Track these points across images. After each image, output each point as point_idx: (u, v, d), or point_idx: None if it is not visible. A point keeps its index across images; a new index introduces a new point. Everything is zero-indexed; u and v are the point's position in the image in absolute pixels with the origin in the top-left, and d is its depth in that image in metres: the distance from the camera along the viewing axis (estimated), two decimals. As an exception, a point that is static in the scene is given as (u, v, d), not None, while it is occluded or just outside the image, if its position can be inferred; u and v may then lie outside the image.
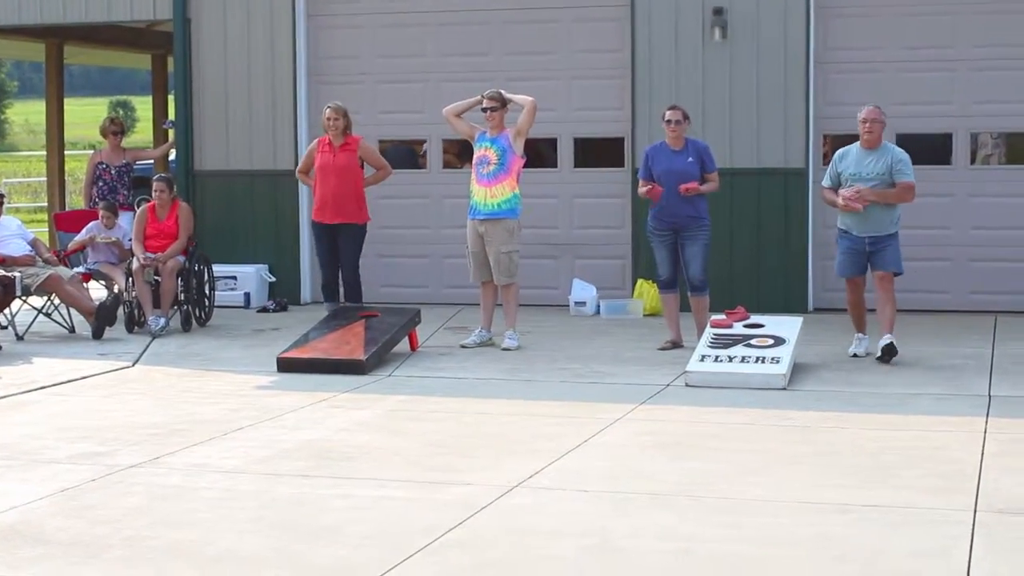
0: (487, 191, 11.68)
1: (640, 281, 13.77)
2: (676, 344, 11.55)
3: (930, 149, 13.88)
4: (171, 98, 16.88)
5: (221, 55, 14.96)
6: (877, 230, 10.95)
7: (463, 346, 11.81)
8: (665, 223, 11.54)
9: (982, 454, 7.76)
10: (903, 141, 13.17)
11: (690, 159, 11.50)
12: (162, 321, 12.63)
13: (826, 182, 11.25)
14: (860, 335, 11.24)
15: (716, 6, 13.55)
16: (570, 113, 14.38)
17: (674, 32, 13.75)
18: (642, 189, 11.60)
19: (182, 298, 12.99)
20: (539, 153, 14.02)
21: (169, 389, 10.32)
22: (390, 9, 14.81)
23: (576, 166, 14.51)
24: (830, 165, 11.29)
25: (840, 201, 10.90)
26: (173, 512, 6.73)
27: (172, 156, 15.74)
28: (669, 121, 11.56)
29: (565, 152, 14.49)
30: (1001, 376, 10.20)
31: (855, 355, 11.15)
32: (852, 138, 11.28)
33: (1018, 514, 6.50)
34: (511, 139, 11.69)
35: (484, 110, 11.77)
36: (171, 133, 15.59)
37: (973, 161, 13.76)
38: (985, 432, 8.35)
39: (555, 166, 14.43)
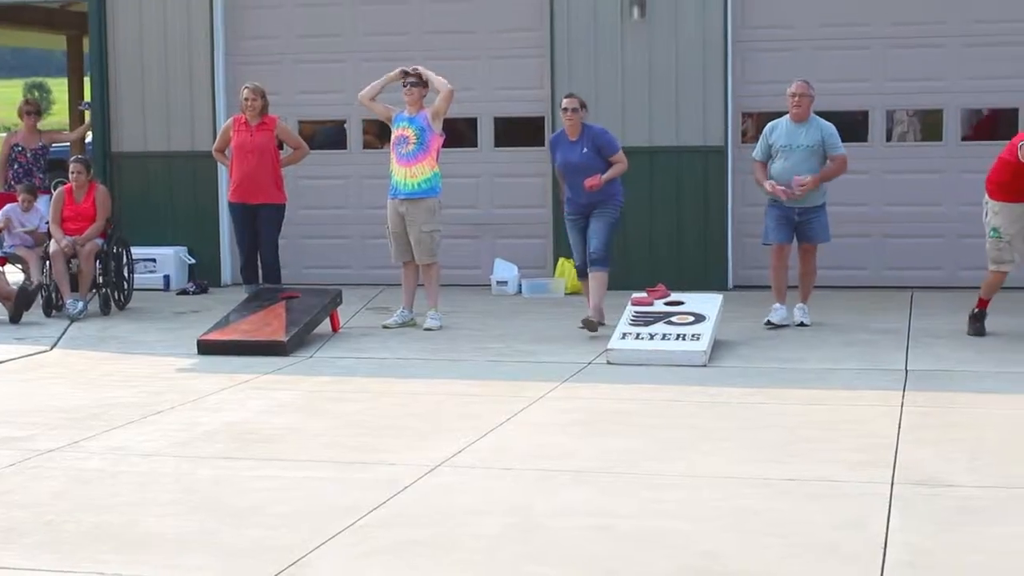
0: (407, 171, 11.64)
1: (561, 260, 13.80)
2: (602, 324, 11.40)
3: (847, 126, 14.01)
4: (87, 79, 16.68)
5: (137, 36, 14.81)
6: (806, 201, 11.32)
7: (385, 326, 11.79)
8: (577, 208, 11.49)
9: (899, 427, 7.86)
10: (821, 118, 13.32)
11: (585, 150, 11.30)
12: (80, 305, 12.50)
13: (757, 155, 11.61)
14: (778, 304, 11.53)
15: (635, -16, 13.58)
16: (490, 92, 14.36)
17: (593, 11, 13.78)
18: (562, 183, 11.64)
19: (100, 281, 12.86)
20: (459, 133, 14.01)
21: (88, 373, 10.22)
22: (308, -12, 14.72)
23: (496, 145, 14.51)
24: (760, 138, 11.64)
25: (783, 196, 11.21)
26: (94, 496, 6.67)
27: (89, 138, 15.57)
28: (565, 109, 11.41)
29: (485, 131, 14.48)
30: (917, 350, 10.33)
31: (769, 322, 11.41)
32: (771, 115, 11.61)
33: (933, 486, 6.59)
34: (429, 119, 11.65)
35: (405, 85, 11.70)
36: (87, 115, 15.41)
37: (889, 138, 13.90)
38: (902, 406, 8.47)
39: (475, 145, 14.43)
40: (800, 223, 11.37)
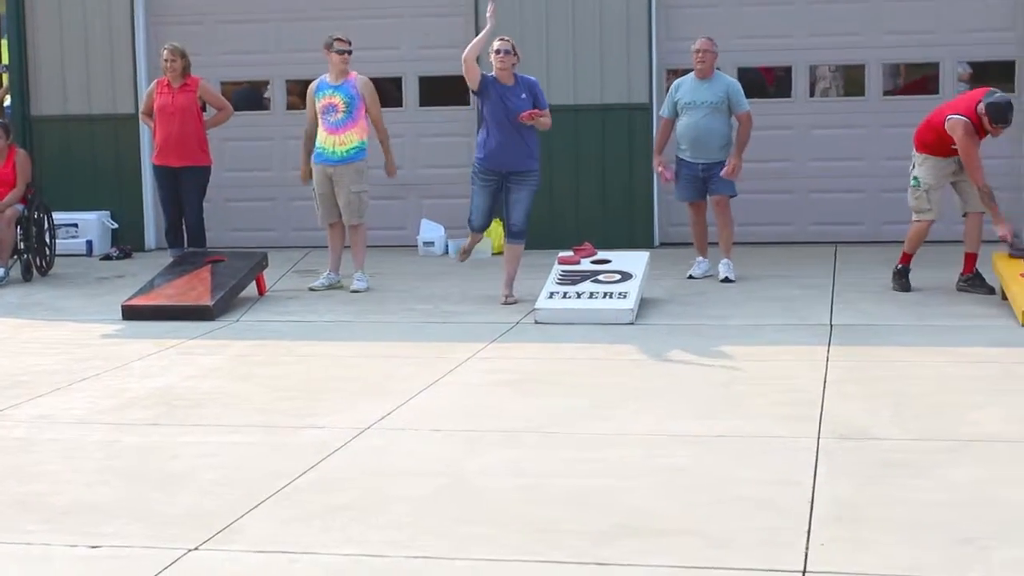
0: (335, 139, 11.56)
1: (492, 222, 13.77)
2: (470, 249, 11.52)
3: (773, 84, 14.12)
4: (3, 42, 16.44)
5: (55, -3, 14.59)
6: (709, 156, 11.54)
7: (311, 289, 11.74)
8: (496, 165, 10.78)
9: (824, 382, 7.94)
10: (744, 74, 13.41)
11: (523, 95, 10.77)
12: (1, 271, 12.34)
13: (664, 112, 11.87)
14: (700, 258, 11.83)
15: (558, -59, 13.55)
16: (414, 51, 14.30)
17: (516, -32, 13.73)
18: (473, 44, 10.83)
19: (22, 247, 12.70)
20: (384, 92, 13.89)
21: (10, 340, 10.10)
22: (229, -52, 14.56)
23: (421, 105, 14.45)
24: (667, 96, 11.88)
25: (663, 179, 11.90)
26: (19, 465, 6.60)
27: (7, 102, 15.35)
28: (498, 51, 10.68)
29: (410, 91, 14.43)
30: (841, 305, 10.43)
31: (691, 276, 11.65)
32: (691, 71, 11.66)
33: (858, 439, 6.66)
34: (358, 87, 11.54)
35: (341, 52, 11.53)
36: (5, 78, 15.18)
37: (812, 94, 13.98)
38: (827, 360, 8.54)
39: (400, 105, 14.35)
40: (706, 178, 11.56)
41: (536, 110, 10.71)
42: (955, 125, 10.42)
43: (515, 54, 10.86)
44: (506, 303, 10.85)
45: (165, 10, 14.68)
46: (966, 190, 10.77)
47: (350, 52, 11.57)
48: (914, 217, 10.90)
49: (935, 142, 10.67)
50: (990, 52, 13.54)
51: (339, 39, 11.58)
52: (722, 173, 11.41)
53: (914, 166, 10.87)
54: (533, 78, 11.17)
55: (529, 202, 10.91)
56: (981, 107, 10.38)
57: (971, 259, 10.82)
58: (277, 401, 7.86)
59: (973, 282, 10.77)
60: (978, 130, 10.48)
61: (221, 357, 9.23)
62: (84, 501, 5.99)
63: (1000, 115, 10.38)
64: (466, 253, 11.49)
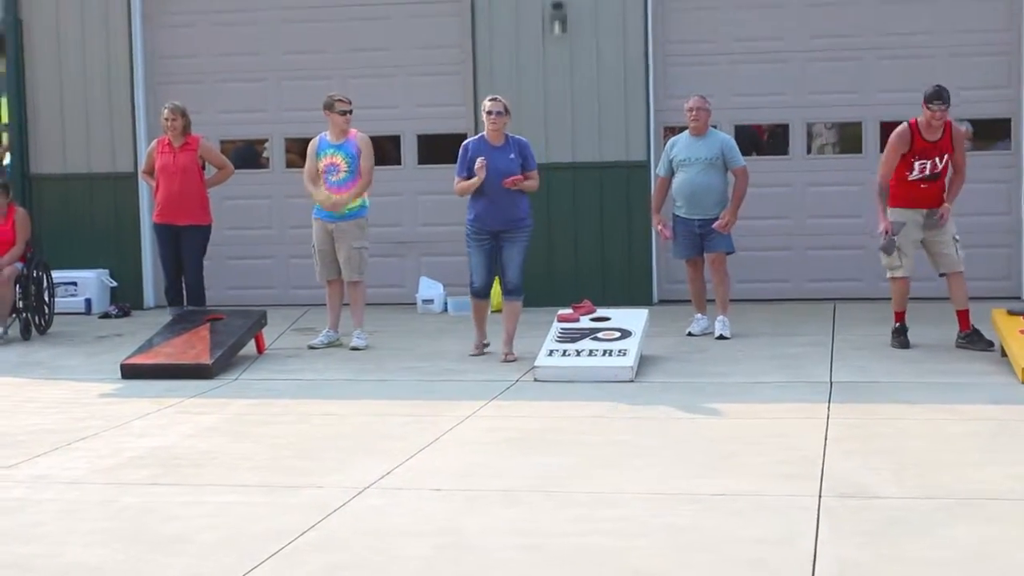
0: (337, 199, 11.62)
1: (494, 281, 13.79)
2: (484, 346, 11.28)
3: (768, 139, 14.18)
4: (3, 100, 16.50)
5: (55, 56, 14.66)
6: (705, 213, 11.60)
7: (311, 347, 11.74)
8: (488, 225, 10.88)
9: (825, 440, 7.92)
10: (740, 132, 13.48)
11: (512, 156, 10.86)
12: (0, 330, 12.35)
13: (660, 171, 11.97)
14: (699, 315, 11.86)
15: (555, 0, 13.63)
16: (412, 110, 14.35)
17: (514, 26, 13.81)
18: (465, 184, 10.92)
19: (20, 306, 12.70)
20: (383, 150, 13.97)
21: (9, 399, 10.07)
22: (228, 8, 14.64)
23: (420, 163, 14.49)
24: (663, 154, 11.96)
25: (662, 236, 11.94)
26: (17, 525, 6.58)
27: (7, 160, 15.40)
28: (490, 112, 10.81)
29: (408, 149, 14.47)
30: (840, 362, 10.42)
31: (690, 333, 11.70)
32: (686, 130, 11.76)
33: (861, 498, 6.65)
34: (359, 146, 11.59)
35: (342, 113, 11.59)
36: (4, 136, 15.23)
37: (809, 151, 14.04)
38: (827, 418, 8.53)
39: (399, 163, 14.39)
40: (702, 234, 11.60)
41: (518, 176, 10.79)
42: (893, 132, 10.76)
43: (507, 113, 10.94)
44: (506, 360, 10.84)
45: (164, 69, 14.75)
46: (937, 251, 10.86)
47: (351, 112, 11.62)
48: (888, 275, 10.99)
49: (896, 185, 10.78)
50: (987, 110, 13.60)
51: (340, 100, 11.63)
52: (715, 225, 11.46)
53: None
54: (524, 139, 11.24)
55: (523, 259, 10.97)
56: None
57: (963, 316, 10.86)
58: (276, 460, 7.84)
59: (971, 338, 10.78)
60: (915, 138, 10.69)
61: (220, 416, 9.22)
62: (82, 563, 5.96)
63: (930, 95, 10.60)
64: (479, 348, 11.31)
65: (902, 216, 10.79)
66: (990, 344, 10.63)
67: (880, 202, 10.83)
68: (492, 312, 13.16)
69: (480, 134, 11.06)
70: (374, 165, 11.83)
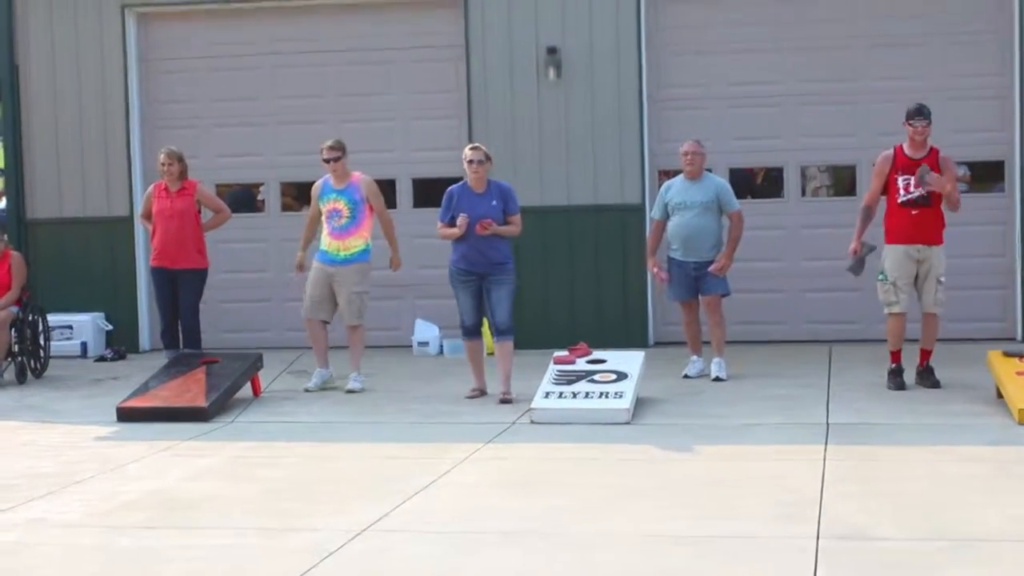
0: (340, 244, 11.67)
1: (484, 319, 13.79)
2: (482, 391, 11.28)
3: (762, 182, 14.23)
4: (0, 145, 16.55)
5: (51, 102, 14.69)
6: (700, 256, 11.64)
7: (307, 390, 11.74)
8: (471, 267, 11.02)
9: (822, 481, 7.91)
10: (735, 175, 13.53)
11: (494, 202, 11.00)
12: (-5, 373, 12.35)
13: (655, 214, 12.01)
14: (694, 357, 11.88)
15: (549, 45, 13.69)
16: (408, 154, 14.40)
17: (509, 72, 13.86)
18: (447, 231, 11.07)
19: (16, 350, 12.69)
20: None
21: (4, 442, 10.05)
22: (224, 53, 14.69)
23: (415, 206, 14.52)
24: (658, 197, 12.01)
25: (659, 281, 11.99)
26: (12, 570, 6.55)
27: (2, 204, 15.42)
28: (471, 161, 10.93)
29: (404, 192, 14.49)
30: (837, 404, 10.42)
31: (686, 376, 11.72)
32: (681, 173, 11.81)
33: (859, 539, 6.64)
34: (363, 192, 11.63)
35: (326, 161, 11.67)
36: (1, 181, 15.25)
37: (804, 194, 14.08)
38: (824, 459, 8.52)
39: (394, 207, 14.40)
40: (697, 277, 11.63)
41: (489, 220, 10.88)
42: None
43: (488, 161, 11.08)
44: (503, 401, 10.84)
45: (160, 114, 14.79)
46: (922, 288, 10.96)
47: (338, 159, 11.63)
48: (885, 311, 11.08)
49: (888, 218, 11.00)
50: (981, 153, 13.66)
51: (326, 148, 11.66)
52: (711, 268, 11.49)
53: (882, 259, 11.05)
54: (506, 184, 11.34)
55: (510, 301, 11.10)
56: None
57: (926, 354, 11.04)
58: (272, 503, 7.82)
59: (922, 375, 11.01)
60: (898, 156, 10.93)
61: (216, 459, 9.20)
62: (79, 606, 5.94)
63: (911, 111, 10.87)
64: (476, 392, 11.32)
65: (895, 252, 10.87)
66: (936, 383, 10.87)
67: (858, 223, 11.11)
68: (488, 355, 13.20)
69: (463, 181, 11.16)
70: (382, 203, 11.88)
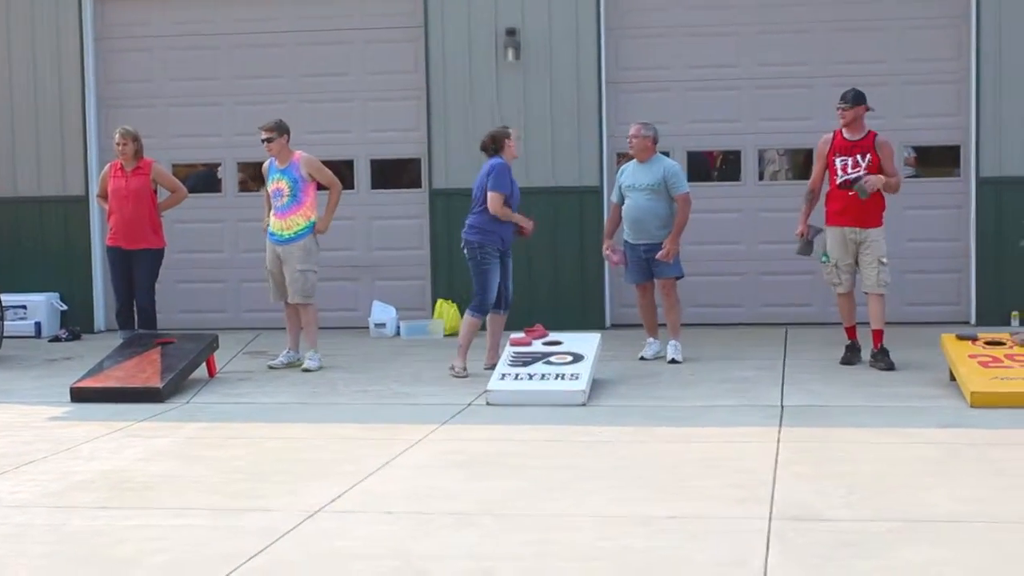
0: (283, 223, 11.66)
1: (440, 301, 13.82)
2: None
3: (720, 165, 14.26)
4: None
5: (6, 80, 14.59)
6: (649, 238, 11.65)
7: (271, 367, 11.77)
8: (504, 244, 11.40)
9: (776, 463, 7.95)
10: (693, 158, 13.56)
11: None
12: (-52, 353, 12.26)
13: (613, 197, 12.04)
14: (651, 339, 11.91)
15: (509, 27, 13.69)
16: (366, 135, 14.36)
17: (468, 53, 13.84)
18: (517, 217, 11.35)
19: (-31, 329, 12.61)
20: (336, 175, 13.92)
21: (-43, 423, 9.99)
22: (181, 32, 14.62)
23: (374, 187, 14.49)
24: (615, 181, 12.01)
25: (612, 263, 12.02)
26: (-37, 550, 6.51)
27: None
28: (519, 138, 11.62)
29: (362, 174, 14.46)
30: (792, 386, 10.47)
31: (643, 358, 11.74)
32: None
33: (811, 520, 6.67)
34: (302, 170, 11.61)
35: (262, 141, 11.66)
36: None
37: (761, 177, 14.12)
38: (778, 441, 8.56)
39: (352, 187, 14.38)
40: (649, 260, 11.64)
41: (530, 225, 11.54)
42: None
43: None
44: (491, 367, 10.99)
45: (117, 93, 14.70)
46: (861, 271, 11.14)
47: (272, 140, 11.58)
48: (834, 291, 11.33)
49: (828, 201, 11.26)
50: (937, 137, 13.75)
51: (261, 129, 11.67)
52: (657, 255, 11.47)
53: (825, 242, 11.28)
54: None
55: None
56: None
57: (876, 335, 11.11)
58: (227, 484, 7.79)
59: (876, 356, 11.09)
60: (836, 138, 11.12)
61: (170, 439, 9.16)
62: (30, 586, 5.91)
63: (841, 97, 11.06)
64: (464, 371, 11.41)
65: (834, 234, 11.06)
66: (892, 365, 10.93)
67: (804, 206, 11.33)
68: (445, 336, 13.23)
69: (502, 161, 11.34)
70: (330, 174, 11.86)
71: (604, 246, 11.97)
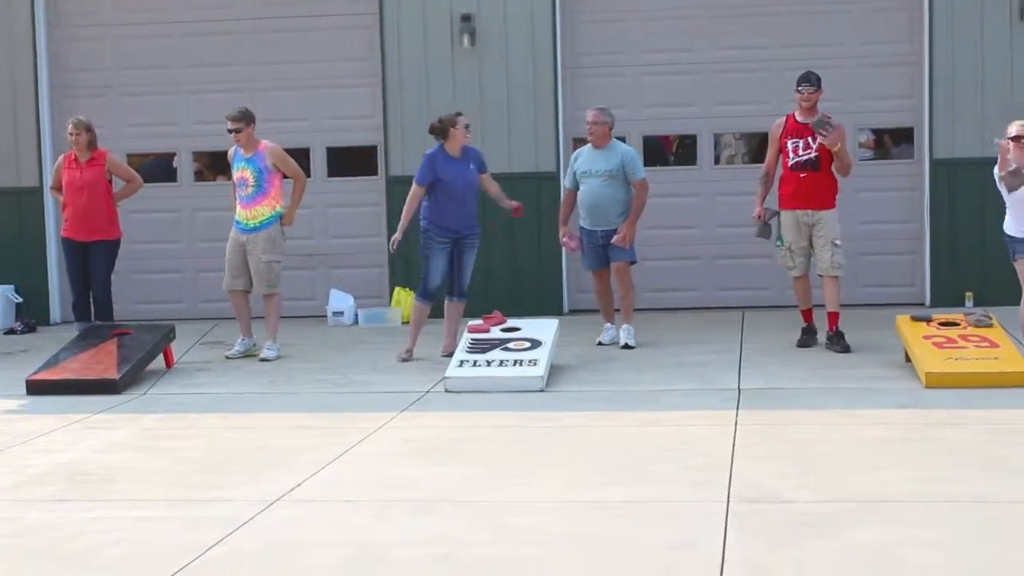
0: (248, 213, 11.62)
1: (397, 289, 13.80)
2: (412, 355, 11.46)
3: (676, 150, 14.29)
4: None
5: (-43, 69, 14.47)
6: (607, 224, 11.62)
7: (228, 357, 11.73)
8: (449, 233, 11.35)
9: (733, 446, 7.99)
10: (649, 143, 13.58)
11: (471, 166, 11.45)
12: (-98, 347, 12.17)
13: (567, 183, 12.00)
14: (607, 324, 11.93)
15: (464, 13, 13.66)
16: (322, 122, 14.32)
17: (423, 39, 13.82)
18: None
19: (-77, 322, 12.52)
20: (292, 163, 13.94)
21: (-88, 417, 9.92)
22: (134, 20, 14.52)
23: (330, 175, 14.45)
24: (568, 166, 11.96)
25: (569, 249, 11.89)
26: (-81, 545, 6.47)
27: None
28: (468, 125, 11.49)
29: (318, 161, 14.42)
30: (749, 369, 10.52)
31: (600, 343, 11.78)
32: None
33: (768, 502, 6.71)
34: (267, 159, 11.57)
35: (229, 131, 11.61)
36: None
37: (717, 161, 14.16)
38: (735, 424, 8.60)
39: (308, 175, 14.31)
40: (605, 245, 11.63)
41: (520, 206, 11.72)
42: None
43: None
44: (448, 354, 11.01)
45: (70, 82, 14.60)
46: (815, 253, 11.19)
47: (240, 130, 11.53)
48: (789, 274, 11.38)
49: (781, 185, 11.32)
50: (891, 120, 13.82)
51: (228, 120, 11.62)
52: (613, 240, 11.48)
53: (779, 225, 11.35)
54: (475, 147, 11.76)
55: (473, 264, 11.65)
56: None
57: (831, 318, 11.18)
58: (185, 475, 7.77)
59: (832, 339, 11.16)
60: (789, 121, 11.23)
61: (127, 431, 9.13)
62: (-14, 580, 5.89)
63: (799, 79, 11.16)
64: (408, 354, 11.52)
65: (787, 218, 11.16)
66: (847, 348, 10.99)
67: (759, 189, 11.41)
68: (402, 323, 13.22)
69: (439, 145, 11.46)
70: (295, 165, 11.86)
71: (560, 232, 11.96)
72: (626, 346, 11.55)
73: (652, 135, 14.00)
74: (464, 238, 11.44)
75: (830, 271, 11.09)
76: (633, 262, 11.73)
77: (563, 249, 13.35)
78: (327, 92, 14.31)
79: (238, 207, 11.68)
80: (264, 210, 11.61)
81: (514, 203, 11.59)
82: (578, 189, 11.73)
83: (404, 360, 11.33)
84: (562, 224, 11.94)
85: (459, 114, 11.51)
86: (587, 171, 11.62)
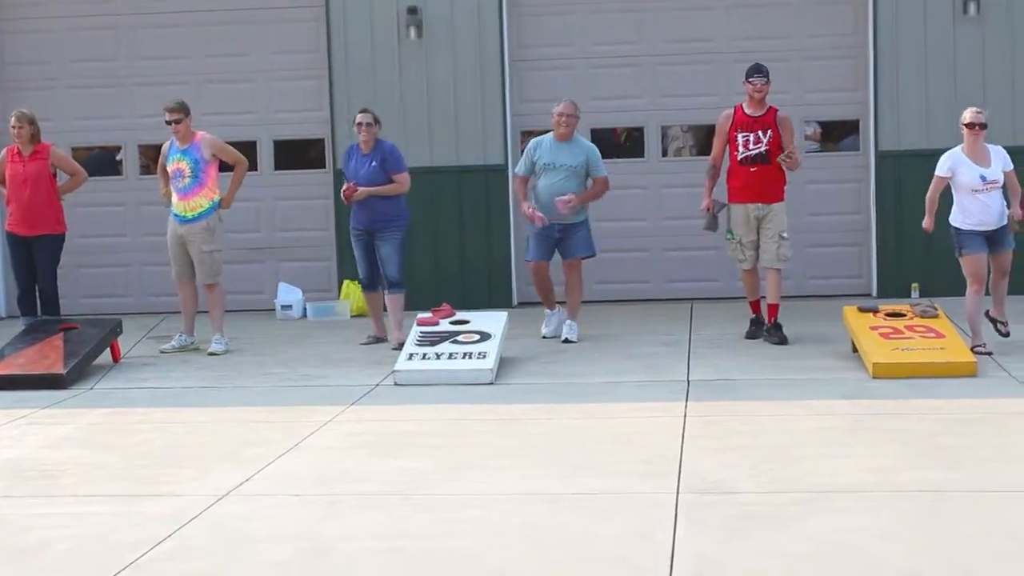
0: (185, 204, 11.56)
1: (346, 282, 13.76)
2: (379, 339, 11.76)
3: (624, 142, 14.32)
4: None
5: (-101, 62, 14.32)
6: (566, 219, 11.53)
7: (162, 351, 11.64)
8: (361, 225, 11.59)
9: (682, 437, 8.01)
10: (597, 135, 13.60)
11: (373, 163, 11.44)
12: None
13: (520, 170, 11.83)
14: (549, 312, 11.88)
15: (410, 5, 13.64)
16: (269, 115, 14.26)
17: (370, 32, 13.79)
18: (345, 189, 11.57)
19: None
20: (239, 156, 13.88)
21: None
22: (79, 12, 14.41)
23: (277, 168, 14.40)
24: (524, 154, 11.83)
25: (538, 223, 11.43)
26: None
27: None
28: (360, 124, 11.49)
29: (265, 154, 14.36)
30: (698, 360, 10.56)
31: (544, 336, 11.75)
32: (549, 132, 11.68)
33: (717, 493, 6.73)
34: (203, 150, 11.51)
35: (167, 123, 11.53)
36: None
37: (665, 154, 14.19)
38: (685, 416, 8.63)
39: (255, 169, 14.26)
40: (560, 239, 11.56)
41: (350, 187, 11.50)
42: None
43: (374, 124, 11.55)
44: (399, 347, 11.03)
45: (14, 75, 14.48)
46: (761, 245, 11.23)
47: (179, 121, 11.46)
48: (739, 267, 11.43)
49: (728, 179, 11.35)
50: (836, 112, 13.91)
51: (166, 111, 11.55)
52: (557, 200, 11.28)
53: (729, 218, 11.37)
54: (391, 144, 11.71)
55: (398, 256, 11.63)
56: None
57: (772, 309, 11.23)
58: (133, 469, 7.73)
59: (770, 331, 11.22)
60: (737, 113, 11.23)
61: (74, 426, 9.06)
62: (-68, 577, 5.83)
63: (749, 70, 11.17)
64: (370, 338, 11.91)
65: (736, 212, 11.21)
66: (783, 340, 11.05)
67: (707, 181, 11.42)
68: (351, 317, 13.21)
69: (356, 142, 11.60)
70: (235, 152, 11.82)
71: (525, 207, 11.47)
72: (567, 341, 11.51)
73: (600, 127, 14.01)
74: (376, 232, 11.54)
75: (775, 263, 11.14)
76: (592, 255, 11.69)
77: (512, 241, 13.36)
78: (274, 85, 14.26)
79: (176, 199, 11.60)
80: (202, 201, 11.55)
81: None
82: (530, 176, 11.62)
83: (365, 344, 11.71)
84: (523, 199, 11.61)
85: (361, 111, 11.63)
86: (550, 164, 11.48)
